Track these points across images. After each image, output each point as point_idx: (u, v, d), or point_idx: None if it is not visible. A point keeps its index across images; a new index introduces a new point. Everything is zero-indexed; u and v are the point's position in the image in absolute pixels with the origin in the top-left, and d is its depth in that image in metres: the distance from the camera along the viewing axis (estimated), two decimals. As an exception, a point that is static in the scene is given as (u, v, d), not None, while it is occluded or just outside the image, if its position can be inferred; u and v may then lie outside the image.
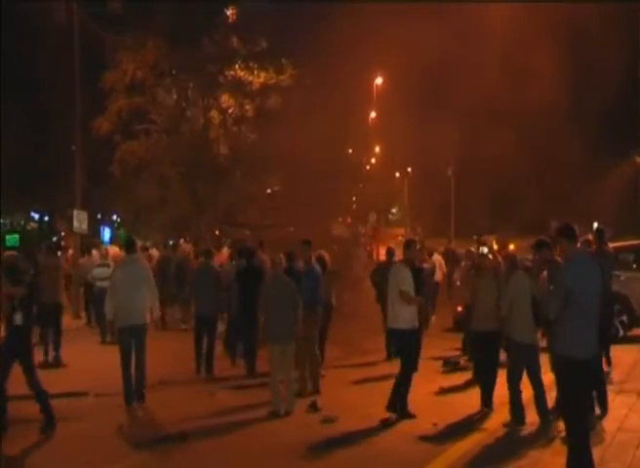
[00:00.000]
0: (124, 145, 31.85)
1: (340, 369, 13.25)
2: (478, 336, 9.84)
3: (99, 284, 16.76)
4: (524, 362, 9.12)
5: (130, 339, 10.60)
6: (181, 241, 27.86)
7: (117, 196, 35.52)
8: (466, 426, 9.19)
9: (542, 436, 8.49)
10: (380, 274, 12.56)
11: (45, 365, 13.76)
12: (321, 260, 12.30)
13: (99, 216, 40.01)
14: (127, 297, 10.55)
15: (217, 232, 35.74)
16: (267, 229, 31.29)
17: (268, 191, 36.68)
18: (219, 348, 13.53)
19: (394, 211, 47.58)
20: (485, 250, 13.53)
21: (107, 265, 16.18)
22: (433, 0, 31.73)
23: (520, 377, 9.17)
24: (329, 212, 39.16)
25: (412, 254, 10.08)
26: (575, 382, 6.43)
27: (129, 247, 11.14)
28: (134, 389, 10.65)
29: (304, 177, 33.75)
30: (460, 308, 13.10)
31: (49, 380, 10.21)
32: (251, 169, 33.17)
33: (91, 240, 28.86)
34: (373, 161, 47.01)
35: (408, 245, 10.18)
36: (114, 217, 42.45)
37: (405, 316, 9.63)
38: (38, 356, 14.00)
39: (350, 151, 42.25)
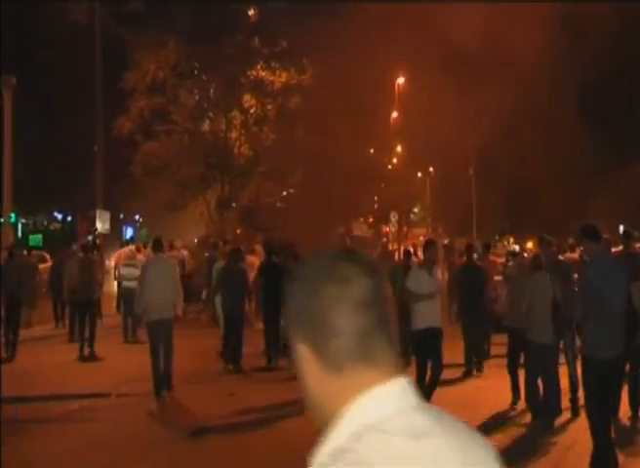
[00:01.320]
0: (145, 146, 31.93)
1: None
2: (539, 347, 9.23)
3: (126, 284, 16.94)
4: (541, 362, 9.09)
5: (159, 332, 11.09)
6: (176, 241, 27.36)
7: (138, 196, 35.67)
8: (490, 425, 9.17)
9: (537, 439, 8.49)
10: (395, 275, 12.63)
11: (82, 358, 14.34)
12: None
13: (121, 216, 40.02)
14: (157, 293, 11.02)
15: (237, 231, 35.63)
16: (280, 231, 31.28)
17: (284, 193, 36.65)
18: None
19: (416, 210, 47.04)
20: (516, 248, 13.08)
21: (135, 265, 16.30)
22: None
23: (537, 376, 9.15)
24: (350, 212, 39.35)
25: (432, 255, 10.02)
26: (600, 382, 6.42)
27: (156, 246, 11.70)
28: (163, 379, 11.08)
29: (325, 178, 33.89)
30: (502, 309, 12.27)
31: (74, 378, 10.23)
32: (271, 169, 33.21)
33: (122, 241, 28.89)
34: (394, 161, 46.89)
35: (428, 245, 10.12)
36: (136, 217, 42.67)
37: (419, 316, 9.60)
38: (72, 352, 14.54)
39: (372, 151, 42.26)
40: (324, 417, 1.36)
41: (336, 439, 1.31)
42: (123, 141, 31.48)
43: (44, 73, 33.62)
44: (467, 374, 12.53)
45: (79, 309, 14.97)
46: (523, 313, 9.10)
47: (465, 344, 12.57)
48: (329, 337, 1.35)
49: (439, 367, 9.77)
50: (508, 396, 10.21)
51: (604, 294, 6.37)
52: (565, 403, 9.44)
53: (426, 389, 9.17)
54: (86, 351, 14.58)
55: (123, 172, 32.47)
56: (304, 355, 1.38)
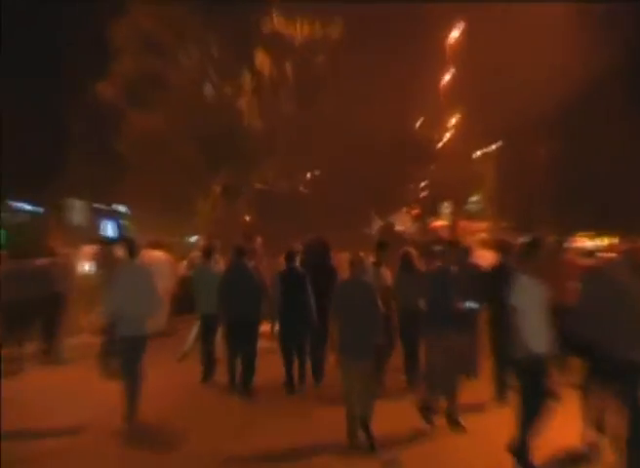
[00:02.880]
0: (133, 117, 31.08)
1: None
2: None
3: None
4: None
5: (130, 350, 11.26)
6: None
7: (124, 181, 33.83)
8: None
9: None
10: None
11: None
12: (406, 260, 12.75)
13: (100, 207, 39.23)
14: (129, 305, 11.13)
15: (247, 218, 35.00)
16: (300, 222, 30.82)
17: (307, 176, 36.06)
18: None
19: (474, 199, 45.73)
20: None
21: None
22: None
23: None
24: (390, 201, 38.54)
25: (508, 262, 9.94)
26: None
27: (130, 250, 11.62)
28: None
29: (359, 157, 33.16)
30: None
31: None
32: (291, 145, 32.77)
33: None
34: (447, 137, 45.28)
35: (502, 249, 10.26)
36: (121, 209, 40.88)
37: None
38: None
39: (418, 125, 41.06)
40: None
41: None
42: (107, 114, 30.58)
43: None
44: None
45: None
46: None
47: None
48: None
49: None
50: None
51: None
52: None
53: None
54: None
55: (107, 151, 31.48)
56: None
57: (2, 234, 33.03)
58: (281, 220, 31.39)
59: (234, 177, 32.76)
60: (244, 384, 12.91)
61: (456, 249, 12.07)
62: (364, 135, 31.85)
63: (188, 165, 32.36)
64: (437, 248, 11.91)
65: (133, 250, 11.55)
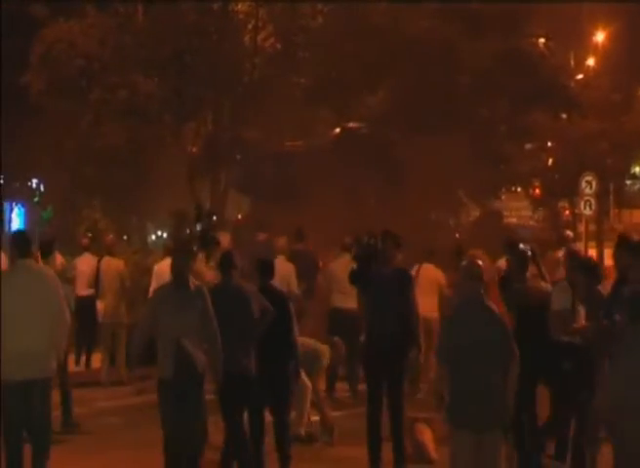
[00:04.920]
0: (53, 28, 25.18)
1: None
2: None
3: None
4: None
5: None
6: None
7: (40, 140, 28.23)
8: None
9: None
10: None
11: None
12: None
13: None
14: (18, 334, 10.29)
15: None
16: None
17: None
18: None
19: (637, 171, 37.10)
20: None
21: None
22: None
23: None
24: (493, 175, 29.60)
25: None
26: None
27: (19, 247, 10.29)
28: None
29: (432, 98, 25.09)
30: None
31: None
32: (320, 79, 26.07)
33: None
34: (590, 64, 36.08)
35: None
36: (34, 185, 35.13)
37: None
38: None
39: (542, 42, 30.42)
40: None
41: None
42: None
43: None
44: None
45: None
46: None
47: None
48: None
49: None
50: None
51: None
52: None
53: None
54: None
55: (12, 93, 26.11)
56: None
57: None
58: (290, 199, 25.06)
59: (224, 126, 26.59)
60: None
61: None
62: (444, 59, 24.44)
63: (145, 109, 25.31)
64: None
65: (24, 249, 10.10)
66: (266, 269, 11.17)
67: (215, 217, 19.25)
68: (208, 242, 14.12)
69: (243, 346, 10.22)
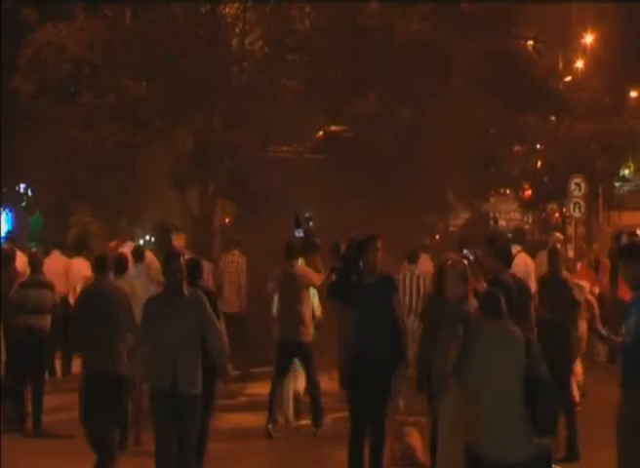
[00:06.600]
0: (42, 32, 24.76)
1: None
2: None
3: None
4: None
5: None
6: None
7: (29, 145, 28.43)
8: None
9: None
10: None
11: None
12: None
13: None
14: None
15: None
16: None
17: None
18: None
19: (626, 173, 37.53)
20: None
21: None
22: None
23: None
24: (482, 177, 29.78)
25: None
26: None
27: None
28: None
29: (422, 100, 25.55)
30: None
31: None
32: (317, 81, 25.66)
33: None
34: (579, 66, 36.04)
35: None
36: (22, 190, 34.88)
37: None
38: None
39: (530, 45, 30.26)
40: None
41: None
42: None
43: None
44: None
45: None
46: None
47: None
48: None
49: None
50: None
51: None
52: None
53: None
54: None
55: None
56: None
57: None
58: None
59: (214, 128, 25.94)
60: None
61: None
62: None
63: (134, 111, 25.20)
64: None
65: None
66: (194, 269, 10.68)
67: (311, 223, 19.25)
68: (309, 247, 14.13)
69: (109, 346, 9.84)
